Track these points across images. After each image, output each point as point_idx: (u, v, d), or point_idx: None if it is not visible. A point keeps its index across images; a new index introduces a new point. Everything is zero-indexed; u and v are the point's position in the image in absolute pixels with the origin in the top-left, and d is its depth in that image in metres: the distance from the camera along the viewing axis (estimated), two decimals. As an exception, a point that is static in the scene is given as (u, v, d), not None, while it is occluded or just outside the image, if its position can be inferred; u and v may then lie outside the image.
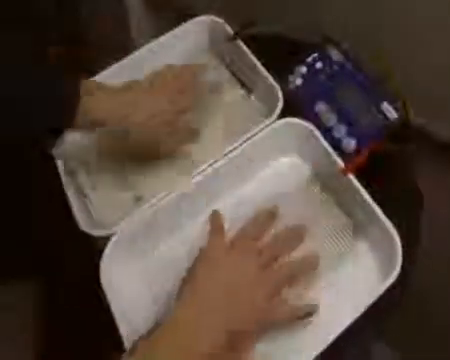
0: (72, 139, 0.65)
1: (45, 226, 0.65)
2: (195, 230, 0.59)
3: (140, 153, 0.62)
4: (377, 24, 0.68)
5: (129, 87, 0.60)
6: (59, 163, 0.61)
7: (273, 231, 0.56)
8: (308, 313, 0.51)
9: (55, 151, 0.62)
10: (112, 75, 0.67)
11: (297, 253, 0.55)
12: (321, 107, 0.63)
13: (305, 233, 0.56)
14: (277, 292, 0.51)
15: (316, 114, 0.63)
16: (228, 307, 0.48)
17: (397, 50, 0.67)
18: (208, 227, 0.58)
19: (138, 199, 0.61)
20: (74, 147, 0.65)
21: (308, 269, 0.54)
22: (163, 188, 0.57)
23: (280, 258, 0.54)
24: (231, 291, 0.49)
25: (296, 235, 0.56)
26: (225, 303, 0.48)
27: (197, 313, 0.47)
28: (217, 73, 0.71)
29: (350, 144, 0.60)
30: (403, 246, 0.51)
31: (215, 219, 0.58)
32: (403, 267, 0.50)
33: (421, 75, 0.67)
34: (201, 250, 0.53)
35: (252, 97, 0.68)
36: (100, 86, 0.57)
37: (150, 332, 0.46)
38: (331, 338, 0.47)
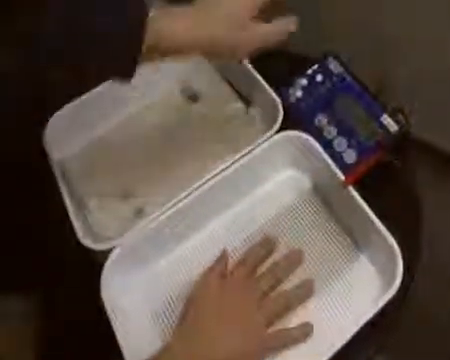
0: (71, 151, 0.66)
1: (44, 237, 0.65)
2: (196, 244, 0.59)
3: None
4: (379, 37, 0.69)
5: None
6: (58, 174, 0.61)
7: (271, 259, 0.56)
8: (304, 335, 0.51)
9: (55, 157, 0.62)
10: (112, 87, 0.66)
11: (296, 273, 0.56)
12: (321, 120, 0.63)
13: (302, 257, 0.56)
14: (275, 320, 0.52)
15: (316, 127, 0.63)
16: (228, 337, 0.48)
17: (397, 63, 0.67)
18: (209, 241, 0.58)
19: (139, 212, 0.61)
20: (74, 158, 0.66)
21: (305, 297, 0.54)
22: (164, 198, 0.57)
23: (278, 286, 0.54)
24: (230, 320, 0.50)
25: (294, 261, 0.56)
26: (224, 332, 0.49)
27: (196, 343, 0.48)
28: (216, 86, 0.71)
29: (350, 156, 0.60)
30: (403, 259, 0.50)
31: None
32: (403, 280, 0.49)
33: (423, 88, 0.67)
34: (202, 277, 0.54)
35: (252, 110, 0.67)
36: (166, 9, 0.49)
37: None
38: (331, 352, 0.47)
